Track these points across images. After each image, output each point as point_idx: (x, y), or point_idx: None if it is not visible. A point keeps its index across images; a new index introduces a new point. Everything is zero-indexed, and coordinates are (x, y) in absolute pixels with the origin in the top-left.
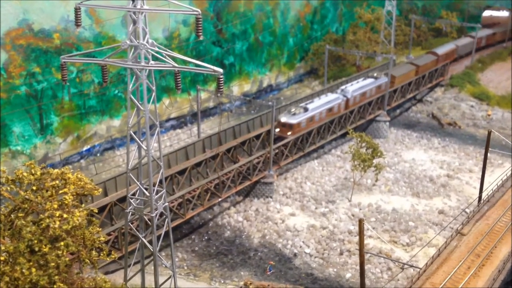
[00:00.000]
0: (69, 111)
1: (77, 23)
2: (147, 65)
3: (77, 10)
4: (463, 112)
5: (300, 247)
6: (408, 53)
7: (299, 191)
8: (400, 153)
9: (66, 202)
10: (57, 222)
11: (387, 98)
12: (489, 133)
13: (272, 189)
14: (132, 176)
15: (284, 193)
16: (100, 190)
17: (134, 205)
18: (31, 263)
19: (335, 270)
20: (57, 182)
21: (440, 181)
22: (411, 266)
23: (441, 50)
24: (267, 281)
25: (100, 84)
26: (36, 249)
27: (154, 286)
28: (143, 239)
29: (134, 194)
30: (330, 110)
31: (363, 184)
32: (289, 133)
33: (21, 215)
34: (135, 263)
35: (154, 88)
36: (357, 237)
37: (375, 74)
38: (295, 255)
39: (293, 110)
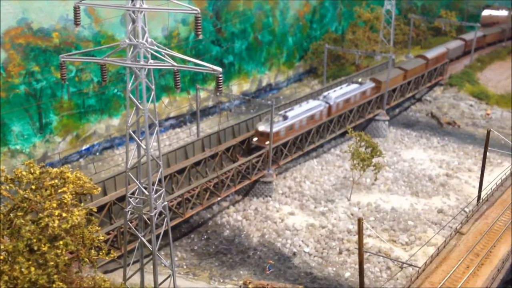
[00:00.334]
0: (68, 110)
1: (76, 22)
2: (146, 64)
3: (76, 9)
4: (462, 111)
5: (299, 246)
6: (407, 52)
7: (298, 190)
8: (399, 152)
9: (65, 201)
10: (56, 221)
11: (386, 97)
12: (488, 132)
13: (271, 188)
14: (131, 175)
15: (283, 192)
16: (99, 189)
17: (133, 204)
18: (30, 262)
19: (334, 269)
20: (56, 181)
21: (439, 180)
22: (410, 265)
23: (431, 53)
24: (266, 280)
25: (99, 83)
26: (35, 248)
27: (153, 285)
28: (142, 238)
29: (133, 193)
30: (311, 117)
31: (362, 183)
32: (267, 142)
33: (20, 214)
34: (134, 262)
35: (153, 87)
36: (356, 236)
37: (359, 80)
38: (294, 254)
39: None
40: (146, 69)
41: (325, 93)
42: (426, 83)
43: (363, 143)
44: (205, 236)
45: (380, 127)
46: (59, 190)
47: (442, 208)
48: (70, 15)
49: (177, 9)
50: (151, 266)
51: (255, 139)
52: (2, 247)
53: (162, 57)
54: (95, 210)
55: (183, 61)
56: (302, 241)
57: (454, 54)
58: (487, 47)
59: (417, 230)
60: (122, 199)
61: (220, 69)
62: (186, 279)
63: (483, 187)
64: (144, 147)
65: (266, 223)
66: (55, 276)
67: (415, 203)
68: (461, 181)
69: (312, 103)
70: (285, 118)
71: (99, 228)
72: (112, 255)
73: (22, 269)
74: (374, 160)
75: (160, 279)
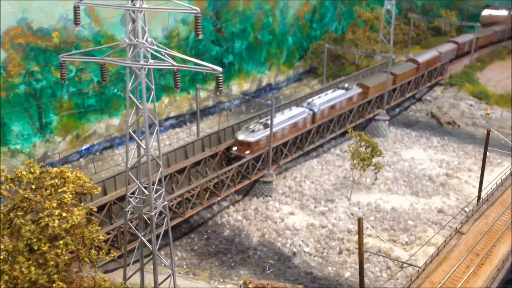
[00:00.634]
0: (68, 110)
1: (76, 21)
2: (146, 63)
3: (76, 9)
4: (462, 111)
5: (299, 246)
6: (407, 52)
7: (298, 190)
8: (399, 152)
9: (65, 201)
10: (56, 221)
11: (386, 97)
12: (488, 132)
13: (271, 188)
14: (131, 175)
15: (283, 192)
16: (99, 189)
17: (134, 204)
18: (30, 262)
19: (334, 269)
20: (56, 180)
21: (439, 180)
22: (410, 265)
23: (422, 57)
24: (266, 280)
25: (99, 83)
26: (35, 248)
27: (153, 285)
28: (142, 238)
29: (133, 193)
30: (294, 125)
31: (362, 183)
32: (247, 152)
33: (20, 213)
34: (134, 262)
35: (153, 87)
36: (356, 236)
37: (346, 85)
38: (294, 254)
39: (252, 126)
40: (146, 69)
41: (309, 100)
42: (417, 88)
43: (363, 143)
44: (205, 236)
45: (380, 127)
46: (59, 190)
47: (442, 208)
48: (70, 15)
49: (177, 9)
50: (151, 266)
51: (234, 148)
52: (2, 246)
53: (162, 57)
54: (95, 209)
55: (183, 61)
56: (302, 241)
57: (447, 58)
58: (479, 49)
59: (417, 229)
60: (122, 198)
61: (220, 68)
62: (186, 278)
63: (483, 186)
64: (144, 146)
65: (266, 223)
66: (55, 276)
67: (415, 202)
68: (461, 180)
69: (295, 110)
70: (266, 126)
71: (99, 227)
72: (112, 255)
73: (22, 269)
74: (374, 160)
75: (160, 278)
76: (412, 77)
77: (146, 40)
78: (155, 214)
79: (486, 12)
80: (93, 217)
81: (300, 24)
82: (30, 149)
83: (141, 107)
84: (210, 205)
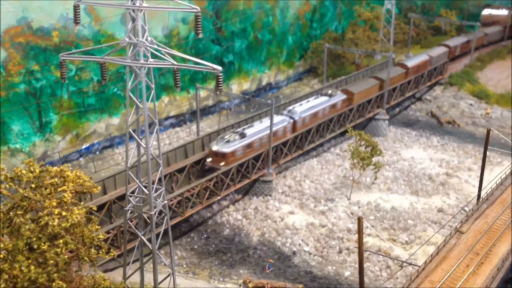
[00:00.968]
0: (68, 109)
1: (76, 20)
2: (146, 62)
3: (76, 8)
4: (462, 110)
5: (299, 245)
6: (407, 51)
7: (298, 189)
8: (399, 151)
9: (65, 200)
10: (56, 220)
11: (386, 96)
12: (488, 131)
13: (271, 187)
14: (131, 174)
15: (283, 191)
16: (99, 188)
17: (133, 203)
18: (30, 261)
19: (334, 268)
20: (56, 179)
21: (439, 179)
22: (410, 264)
23: (412, 62)
24: (266, 279)
25: (99, 82)
26: (35, 246)
27: (153, 284)
28: (142, 237)
29: (133, 192)
30: (273, 134)
31: (362, 182)
32: (222, 163)
33: (20, 212)
34: (134, 261)
35: (153, 86)
36: (356, 235)
37: (329, 91)
38: (294, 253)
39: (227, 136)
40: (146, 68)
41: (290, 107)
42: (405, 94)
43: (363, 142)
44: (205, 235)
45: (380, 126)
46: (59, 189)
47: (442, 207)
48: (70, 14)
49: (177, 8)
50: (151, 265)
51: (209, 159)
52: (2, 245)
53: (162, 56)
54: (95, 209)
55: (183, 60)
56: (302, 240)
57: (438, 62)
58: (470, 52)
59: (417, 229)
60: (122, 198)
61: (220, 67)
62: (186, 278)
63: (483, 186)
64: (144, 146)
65: (266, 222)
66: (55, 275)
67: (415, 202)
68: (461, 180)
69: (274, 118)
70: (242, 136)
71: (99, 227)
72: (112, 254)
73: (22, 268)
74: (374, 159)
75: (160, 278)
76: (400, 83)
77: (146, 39)
78: (155, 213)
79: (486, 11)
80: (93, 216)
81: (300, 24)
82: (30, 148)
83: (141, 106)
84: (210, 204)
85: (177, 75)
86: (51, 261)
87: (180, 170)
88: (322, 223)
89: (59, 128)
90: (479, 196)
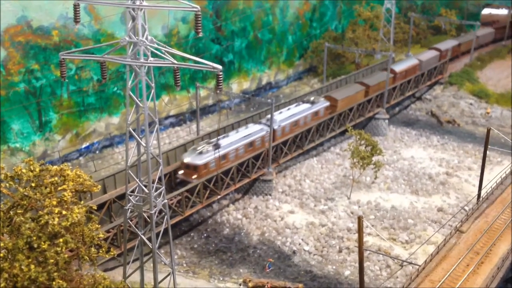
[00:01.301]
0: (68, 108)
1: (76, 19)
2: (146, 61)
3: (76, 7)
4: (462, 110)
5: (299, 244)
6: (407, 51)
7: (298, 189)
8: (399, 150)
9: (65, 199)
10: (56, 219)
11: (386, 95)
12: (488, 131)
13: (271, 187)
14: (131, 173)
15: (283, 191)
16: (99, 186)
17: (133, 202)
18: (30, 260)
19: (334, 267)
20: (56, 178)
21: (439, 178)
22: (410, 263)
23: (399, 66)
24: (266, 278)
25: (99, 81)
26: (35, 245)
27: (153, 283)
28: (142, 236)
29: (133, 191)
30: (250, 145)
31: (362, 181)
32: (194, 176)
33: (20, 211)
34: (134, 260)
35: (153, 85)
36: (356, 235)
37: (311, 98)
38: (294, 252)
39: (200, 148)
40: (146, 67)
41: (269, 116)
42: (388, 102)
43: (363, 142)
44: (205, 234)
45: (380, 126)
46: (59, 188)
47: (442, 207)
48: (69, 13)
49: (177, 7)
50: (151, 264)
51: (180, 172)
52: (2, 244)
53: (162, 55)
54: (95, 208)
55: (183, 59)
56: (302, 239)
57: (428, 66)
58: (461, 56)
59: (417, 228)
60: (122, 197)
61: (220, 66)
62: (186, 277)
63: (483, 185)
64: (144, 145)
65: (266, 221)
66: (55, 274)
67: (415, 201)
68: (461, 179)
69: (252, 128)
70: (217, 147)
71: (99, 226)
72: (112, 253)
73: (22, 267)
74: (374, 159)
75: (160, 277)
76: (387, 88)
77: (146, 38)
78: (155, 212)
79: (486, 11)
80: (93, 215)
81: (300, 23)
82: (30, 148)
83: (141, 105)
84: (210, 204)
85: (177, 74)
86: (51, 260)
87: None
88: (322, 222)
89: (59, 127)
90: (479, 195)
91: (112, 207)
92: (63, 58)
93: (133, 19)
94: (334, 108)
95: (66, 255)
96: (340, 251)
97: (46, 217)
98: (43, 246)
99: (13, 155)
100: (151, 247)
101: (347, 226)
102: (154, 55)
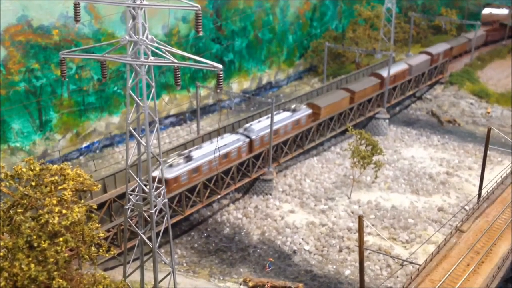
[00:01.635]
0: (68, 108)
1: (76, 18)
2: (146, 61)
3: (76, 6)
4: (462, 109)
5: (300, 244)
6: (407, 50)
7: (298, 188)
8: (399, 150)
9: (65, 198)
10: (56, 218)
11: (386, 95)
12: (489, 130)
13: (272, 186)
14: (132, 173)
15: (284, 190)
16: (99, 186)
17: (134, 201)
18: (30, 259)
19: (334, 267)
20: (56, 178)
21: (439, 178)
22: (411, 263)
23: (387, 71)
24: (266, 278)
25: (99, 81)
26: (35, 245)
27: (153, 283)
28: (143, 235)
29: (133, 191)
30: (225, 156)
31: (363, 181)
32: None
33: (20, 210)
34: (134, 260)
35: (153, 84)
36: (357, 234)
37: (293, 106)
38: (294, 252)
39: (170, 160)
40: (146, 66)
41: (247, 125)
42: (373, 109)
43: (363, 141)
44: (205, 234)
45: (380, 125)
46: (59, 187)
47: (443, 206)
48: (70, 13)
49: (178, 6)
50: (151, 264)
51: None
52: (2, 243)
53: (163, 54)
54: (95, 207)
55: (183, 58)
56: (302, 239)
57: (418, 71)
58: (453, 59)
59: (418, 228)
60: (122, 196)
61: (220, 65)
62: (186, 276)
63: (484, 185)
64: (144, 144)
65: (266, 221)
66: (55, 273)
67: (415, 201)
68: (462, 179)
69: (227, 138)
70: (188, 159)
71: (99, 225)
72: (112, 253)
73: (22, 266)
74: (374, 158)
75: (160, 276)
76: (374, 94)
77: (147, 37)
78: (155, 211)
79: (486, 10)
80: (93, 215)
81: (301, 23)
82: (30, 147)
83: (141, 104)
84: (210, 203)
85: (177, 73)
86: (51, 259)
87: None
88: (323, 222)
89: (59, 127)
90: (479, 195)
91: (112, 207)
92: (63, 57)
93: (134, 18)
94: (318, 116)
95: (66, 254)
96: (340, 250)
97: (46, 216)
98: (43, 245)
99: (13, 154)
100: (151, 246)
101: (347, 225)
102: (154, 54)
